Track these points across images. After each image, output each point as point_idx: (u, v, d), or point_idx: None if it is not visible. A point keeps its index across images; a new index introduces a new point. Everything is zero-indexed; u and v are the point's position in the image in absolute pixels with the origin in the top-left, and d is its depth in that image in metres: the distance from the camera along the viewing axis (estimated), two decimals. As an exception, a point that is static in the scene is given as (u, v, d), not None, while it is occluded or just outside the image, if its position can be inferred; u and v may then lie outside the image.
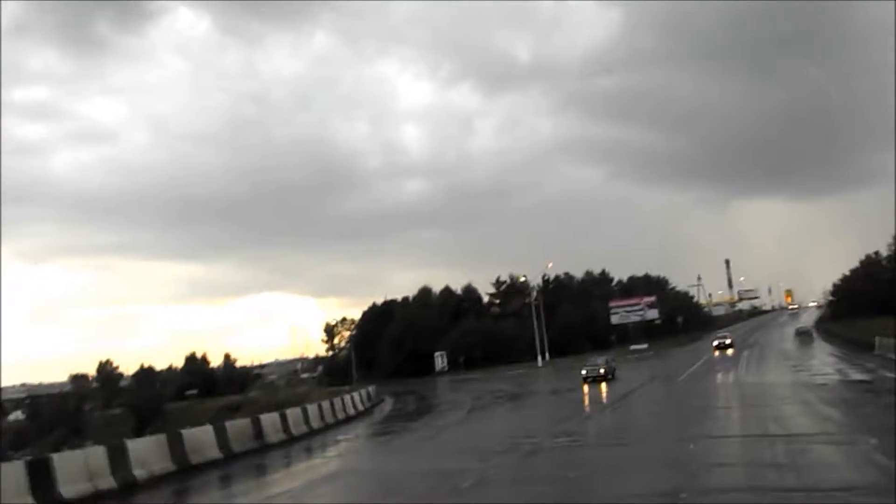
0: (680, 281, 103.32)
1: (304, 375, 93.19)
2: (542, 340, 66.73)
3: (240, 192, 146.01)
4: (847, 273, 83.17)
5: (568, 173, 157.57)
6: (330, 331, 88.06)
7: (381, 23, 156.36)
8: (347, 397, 31.69)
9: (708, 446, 14.19)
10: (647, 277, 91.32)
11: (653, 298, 78.30)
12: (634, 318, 76.76)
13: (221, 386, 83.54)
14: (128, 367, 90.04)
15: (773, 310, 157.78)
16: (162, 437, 17.66)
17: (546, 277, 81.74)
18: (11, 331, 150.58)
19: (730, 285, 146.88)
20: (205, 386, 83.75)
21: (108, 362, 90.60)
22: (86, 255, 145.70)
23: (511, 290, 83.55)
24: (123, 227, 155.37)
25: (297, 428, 23.52)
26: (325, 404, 27.87)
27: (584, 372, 37.95)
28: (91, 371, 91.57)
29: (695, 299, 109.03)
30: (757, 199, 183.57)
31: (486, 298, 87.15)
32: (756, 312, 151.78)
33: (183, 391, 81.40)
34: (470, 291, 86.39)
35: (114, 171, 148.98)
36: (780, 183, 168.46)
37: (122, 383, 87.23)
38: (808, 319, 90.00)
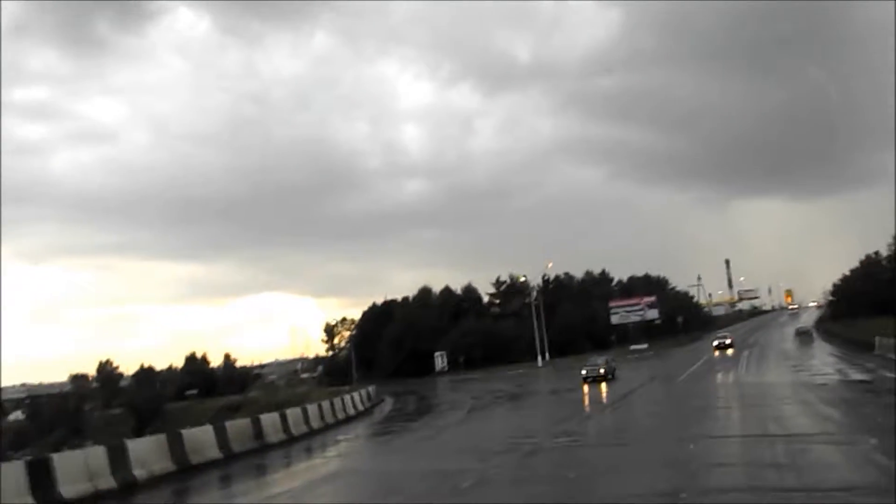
0: (680, 281, 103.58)
1: (304, 375, 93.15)
2: (542, 340, 66.72)
3: (240, 192, 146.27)
4: (847, 273, 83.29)
5: (568, 173, 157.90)
6: (330, 331, 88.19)
7: (381, 23, 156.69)
8: (347, 397, 31.69)
9: (708, 446, 14.18)
10: (647, 277, 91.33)
11: (653, 298, 78.31)
12: (634, 318, 76.76)
13: (221, 386, 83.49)
14: (128, 367, 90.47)
15: (773, 310, 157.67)
16: (162, 437, 17.66)
17: (546, 277, 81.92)
18: (11, 331, 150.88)
19: (730, 285, 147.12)
20: (205, 386, 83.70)
21: (108, 362, 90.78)
22: (86, 255, 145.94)
23: (511, 290, 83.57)
24: (123, 227, 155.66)
25: (297, 428, 23.52)
26: (325, 404, 27.87)
27: (583, 372, 37.95)
28: (91, 371, 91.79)
29: (695, 299, 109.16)
30: (757, 199, 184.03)
31: (486, 298, 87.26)
32: (756, 312, 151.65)
33: (183, 391, 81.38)
34: (470, 291, 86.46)
35: (114, 171, 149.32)
36: (780, 183, 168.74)
37: (122, 383, 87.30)
38: (808, 319, 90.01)
